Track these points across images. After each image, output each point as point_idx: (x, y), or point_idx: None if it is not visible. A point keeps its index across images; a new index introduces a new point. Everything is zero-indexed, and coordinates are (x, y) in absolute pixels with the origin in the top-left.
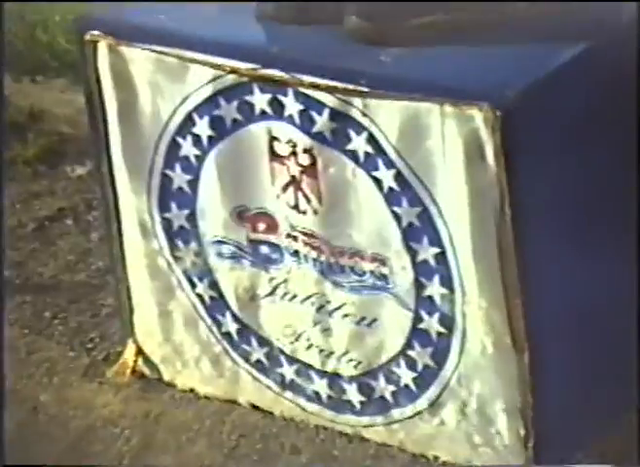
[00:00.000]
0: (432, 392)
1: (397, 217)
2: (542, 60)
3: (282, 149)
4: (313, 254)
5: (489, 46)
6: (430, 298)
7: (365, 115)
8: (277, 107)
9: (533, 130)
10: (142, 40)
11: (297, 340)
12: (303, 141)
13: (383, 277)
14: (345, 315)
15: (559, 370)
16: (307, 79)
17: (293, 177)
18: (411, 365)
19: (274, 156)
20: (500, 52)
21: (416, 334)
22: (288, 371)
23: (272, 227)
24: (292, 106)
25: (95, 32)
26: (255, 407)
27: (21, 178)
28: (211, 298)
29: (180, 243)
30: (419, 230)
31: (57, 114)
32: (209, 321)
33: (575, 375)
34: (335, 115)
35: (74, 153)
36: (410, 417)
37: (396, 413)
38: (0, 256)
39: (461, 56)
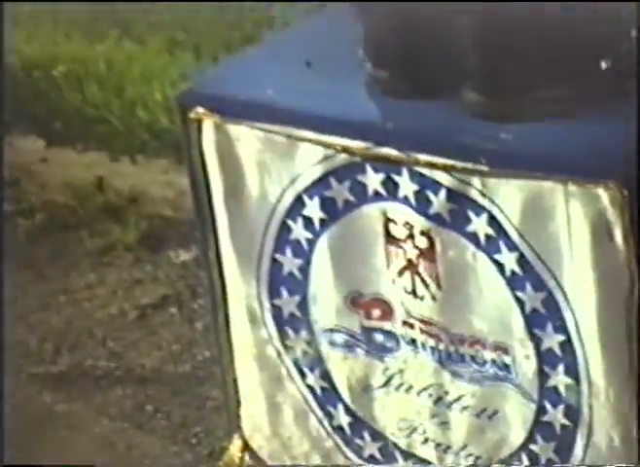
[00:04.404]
0: None
1: (520, 302)
2: None
3: (398, 231)
4: (431, 342)
5: (612, 119)
6: (554, 389)
7: (484, 195)
8: (391, 187)
9: None
10: (249, 117)
11: (412, 433)
12: (421, 223)
13: (505, 367)
14: (465, 407)
15: None
16: (423, 157)
17: (409, 261)
18: (534, 459)
19: (390, 238)
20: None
21: (539, 427)
22: None
23: (388, 313)
24: (407, 186)
25: (200, 109)
26: None
27: (122, 264)
28: (322, 389)
29: (290, 331)
30: (544, 316)
31: (158, 196)
32: (320, 414)
33: None
34: (452, 195)
35: (177, 237)
36: None
37: None
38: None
39: (582, 131)
